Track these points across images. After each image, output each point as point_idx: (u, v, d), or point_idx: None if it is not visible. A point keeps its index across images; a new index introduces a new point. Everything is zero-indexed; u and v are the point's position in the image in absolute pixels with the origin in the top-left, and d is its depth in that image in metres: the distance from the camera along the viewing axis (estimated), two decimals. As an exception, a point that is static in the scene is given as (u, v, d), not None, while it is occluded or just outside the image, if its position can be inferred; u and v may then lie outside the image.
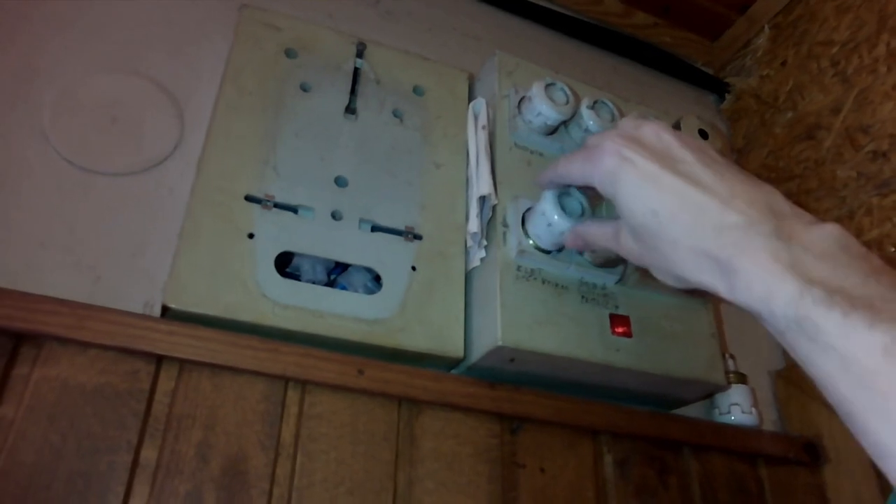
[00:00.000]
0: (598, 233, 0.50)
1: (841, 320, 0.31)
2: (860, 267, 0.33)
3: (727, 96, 1.04)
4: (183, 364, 0.53)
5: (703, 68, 1.07)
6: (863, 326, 0.30)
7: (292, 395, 0.55)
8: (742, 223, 0.37)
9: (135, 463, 0.49)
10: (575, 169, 0.48)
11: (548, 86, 0.66)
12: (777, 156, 0.91)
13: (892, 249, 0.71)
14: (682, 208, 0.39)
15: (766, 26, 0.98)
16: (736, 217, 0.37)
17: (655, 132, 0.43)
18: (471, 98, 0.73)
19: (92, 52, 0.67)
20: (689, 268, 0.39)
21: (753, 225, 0.36)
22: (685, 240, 0.39)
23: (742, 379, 0.73)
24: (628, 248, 0.45)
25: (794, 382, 0.79)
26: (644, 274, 0.64)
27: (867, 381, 0.29)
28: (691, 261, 0.39)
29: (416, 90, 0.73)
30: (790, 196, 0.85)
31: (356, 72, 0.70)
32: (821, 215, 0.80)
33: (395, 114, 0.70)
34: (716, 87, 1.05)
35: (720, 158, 0.42)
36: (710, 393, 0.70)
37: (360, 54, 0.71)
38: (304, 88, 0.67)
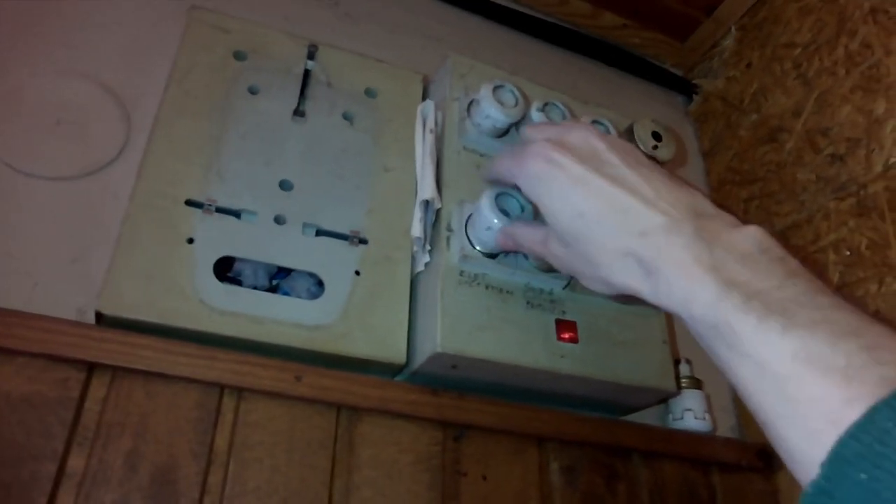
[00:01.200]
0: (528, 236, 0.50)
1: (756, 325, 0.31)
2: (778, 270, 0.33)
3: (695, 98, 1.03)
4: (115, 371, 0.52)
5: (673, 70, 1.07)
6: (776, 332, 0.30)
7: (227, 402, 0.54)
8: (665, 224, 0.37)
9: (60, 472, 0.48)
10: (504, 168, 0.48)
11: (496, 88, 0.65)
12: (742, 158, 0.91)
13: (848, 253, 0.71)
14: (608, 210, 0.39)
15: (733, 28, 0.97)
16: (660, 218, 0.37)
17: (584, 136, 0.43)
18: (424, 101, 0.73)
19: (39, 53, 0.66)
20: (615, 270, 0.39)
21: (676, 225, 0.37)
22: (611, 241, 0.39)
23: (697, 384, 0.73)
24: (556, 253, 0.46)
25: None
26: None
27: (778, 388, 0.29)
28: (617, 263, 0.39)
29: (368, 92, 0.72)
30: (753, 199, 0.85)
31: (306, 74, 0.70)
32: (781, 219, 0.80)
33: (346, 116, 0.69)
34: (683, 88, 1.04)
35: (647, 161, 0.42)
36: (661, 399, 0.69)
37: (311, 56, 0.71)
38: (252, 91, 0.67)
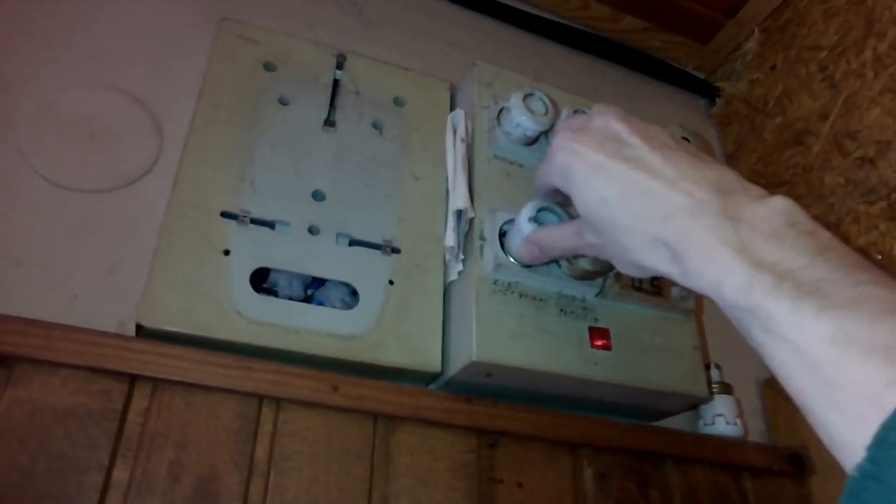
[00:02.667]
0: (556, 235, 0.51)
1: (790, 309, 0.30)
2: (808, 245, 0.32)
3: (717, 101, 1.03)
4: (156, 383, 0.53)
5: (694, 73, 1.06)
6: (811, 315, 0.29)
7: (266, 412, 0.55)
8: (688, 205, 0.36)
9: (106, 483, 0.49)
10: (540, 174, 0.48)
11: (526, 96, 0.66)
12: (766, 161, 0.90)
13: (879, 257, 0.71)
14: (630, 194, 0.39)
15: (756, 30, 0.97)
16: (682, 199, 0.37)
17: (605, 121, 0.43)
18: (452, 108, 0.73)
19: (69, 66, 0.67)
20: (645, 254, 0.39)
21: (700, 206, 0.36)
22: (636, 226, 0.39)
23: (727, 389, 0.73)
24: (590, 242, 0.45)
25: (781, 392, 0.78)
26: (624, 284, 0.64)
27: (817, 372, 0.29)
28: (644, 247, 0.39)
29: (397, 101, 0.72)
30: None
31: (335, 83, 0.70)
32: (808, 222, 0.79)
33: (375, 125, 0.70)
34: (706, 91, 1.04)
35: (671, 142, 0.41)
36: (693, 405, 0.69)
37: (339, 66, 0.71)
38: (283, 102, 0.67)
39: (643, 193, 0.38)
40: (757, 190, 0.37)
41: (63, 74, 0.66)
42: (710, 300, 0.36)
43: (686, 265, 0.36)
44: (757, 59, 0.96)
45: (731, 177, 0.38)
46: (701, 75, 1.06)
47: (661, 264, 0.38)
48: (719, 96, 1.02)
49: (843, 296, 0.29)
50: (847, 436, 0.28)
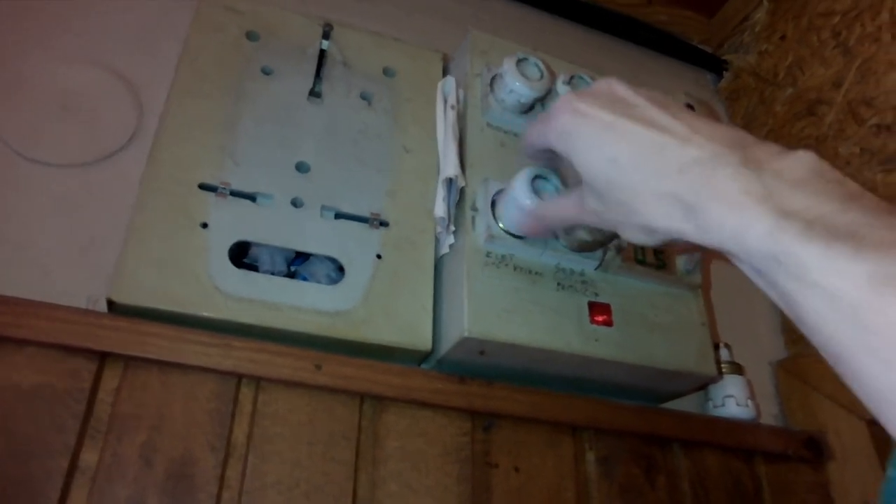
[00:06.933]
0: (558, 207, 0.48)
1: (823, 252, 0.28)
2: (837, 192, 0.30)
3: (725, 75, 0.99)
4: (128, 361, 0.50)
5: (701, 46, 1.02)
6: (846, 257, 0.27)
7: (245, 392, 0.52)
8: (705, 157, 0.34)
9: (72, 466, 0.46)
10: (535, 133, 0.46)
11: (520, 61, 0.62)
12: (777, 134, 0.86)
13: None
14: (641, 151, 0.37)
15: (765, 0, 0.93)
16: (697, 151, 0.35)
17: (608, 85, 0.41)
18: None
19: (44, 40, 0.64)
20: (656, 215, 0.37)
21: (717, 157, 0.34)
22: (647, 184, 0.37)
23: (738, 370, 0.69)
24: (593, 209, 0.43)
25: (796, 374, 0.74)
26: (626, 257, 0.60)
27: (854, 317, 0.27)
28: (657, 207, 0.36)
29: (387, 72, 0.69)
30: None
31: (322, 54, 0.67)
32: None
33: (364, 97, 0.67)
34: (713, 65, 1.00)
35: (677, 104, 0.40)
36: (700, 385, 0.65)
37: (326, 36, 0.68)
38: (266, 72, 0.64)
39: (656, 150, 0.36)
40: (775, 146, 0.35)
41: (39, 49, 0.64)
42: (731, 257, 0.33)
43: (702, 218, 0.34)
44: (766, 30, 0.92)
45: (745, 134, 0.36)
46: (708, 49, 1.02)
47: (673, 222, 0.36)
48: (727, 70, 0.99)
49: (880, 237, 0.27)
50: (885, 383, 0.26)
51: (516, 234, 0.56)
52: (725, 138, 0.35)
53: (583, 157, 0.40)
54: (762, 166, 0.32)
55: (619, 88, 0.41)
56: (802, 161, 0.32)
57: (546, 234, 0.56)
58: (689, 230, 0.35)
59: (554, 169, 0.54)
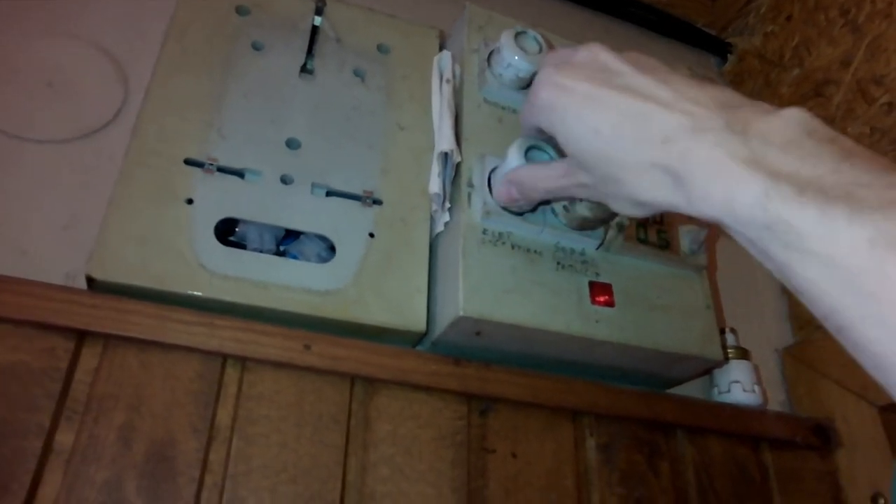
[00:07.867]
0: (539, 174, 0.46)
1: (817, 217, 0.26)
2: (830, 151, 0.29)
3: (729, 58, 0.97)
4: (107, 340, 0.48)
5: (706, 29, 1.00)
6: (842, 220, 0.26)
7: (230, 373, 0.50)
8: (689, 124, 0.33)
9: (46, 448, 0.44)
10: (524, 113, 0.44)
11: (518, 34, 0.60)
12: (783, 117, 0.84)
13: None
14: (624, 121, 0.35)
15: (770, -20, 0.90)
16: (681, 118, 0.33)
17: (591, 51, 0.39)
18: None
19: (28, 15, 0.62)
20: (642, 187, 0.35)
21: (702, 122, 0.32)
22: (632, 156, 0.35)
23: (744, 355, 0.67)
24: (580, 182, 0.41)
25: (803, 360, 0.72)
26: (628, 236, 0.58)
27: (855, 284, 0.25)
28: (643, 178, 0.35)
29: (381, 48, 0.67)
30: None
31: (314, 30, 0.65)
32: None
33: (357, 73, 0.65)
34: (717, 48, 0.98)
35: (663, 67, 0.38)
36: (705, 370, 0.63)
37: (318, 11, 0.66)
38: (256, 47, 0.62)
39: (639, 118, 0.35)
40: (765, 105, 0.33)
41: (22, 24, 0.62)
42: (723, 227, 0.32)
43: (691, 189, 0.32)
44: (771, 11, 0.90)
45: (734, 94, 0.34)
46: (712, 32, 1.00)
47: (662, 194, 0.34)
48: (731, 53, 0.96)
49: (878, 197, 0.26)
50: (892, 352, 0.24)
51: (514, 211, 0.54)
52: (712, 100, 0.33)
53: (565, 130, 0.39)
54: (749, 130, 0.31)
55: (603, 55, 0.39)
56: (791, 120, 0.30)
57: (524, 205, 0.53)
58: (679, 202, 0.33)
59: (551, 143, 0.52)
